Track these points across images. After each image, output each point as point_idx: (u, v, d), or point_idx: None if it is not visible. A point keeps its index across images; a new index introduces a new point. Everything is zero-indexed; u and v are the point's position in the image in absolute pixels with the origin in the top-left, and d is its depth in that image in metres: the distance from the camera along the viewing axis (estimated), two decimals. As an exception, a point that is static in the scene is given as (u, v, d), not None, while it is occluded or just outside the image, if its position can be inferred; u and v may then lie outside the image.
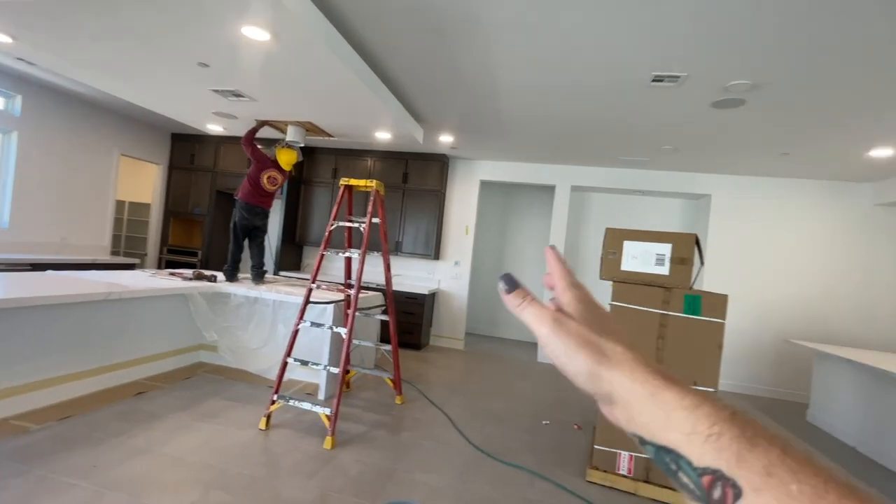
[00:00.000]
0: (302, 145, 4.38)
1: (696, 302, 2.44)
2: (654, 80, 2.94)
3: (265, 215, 4.08)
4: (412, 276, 6.12)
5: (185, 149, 6.26)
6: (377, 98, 3.38)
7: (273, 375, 3.56)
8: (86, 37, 2.83)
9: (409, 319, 5.53)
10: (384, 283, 3.61)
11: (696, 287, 4.06)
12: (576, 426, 3.54)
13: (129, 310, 3.35)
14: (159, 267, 6.24)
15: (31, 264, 4.29)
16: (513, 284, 0.37)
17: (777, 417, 4.42)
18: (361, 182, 3.24)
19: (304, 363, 2.99)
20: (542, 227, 6.93)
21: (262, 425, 2.87)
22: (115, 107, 5.26)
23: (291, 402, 2.88)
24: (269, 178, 4.04)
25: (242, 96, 3.69)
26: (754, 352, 5.24)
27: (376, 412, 3.39)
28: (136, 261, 5.54)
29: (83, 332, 3.03)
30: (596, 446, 2.62)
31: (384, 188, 3.59)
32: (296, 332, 2.98)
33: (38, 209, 4.79)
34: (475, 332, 7.15)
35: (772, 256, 5.21)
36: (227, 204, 6.34)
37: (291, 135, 4.32)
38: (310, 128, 4.40)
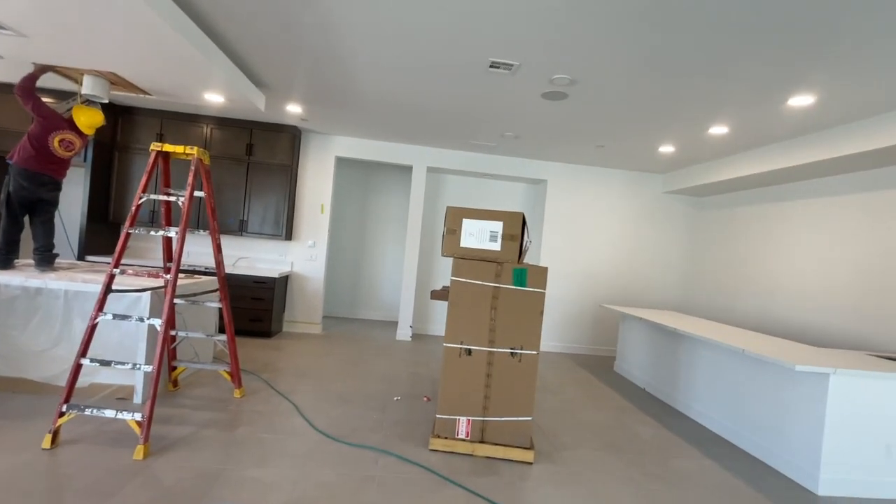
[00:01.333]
0: (105, 101, 3.59)
1: (522, 274, 2.68)
2: (491, 66, 3.09)
3: (56, 186, 3.26)
4: (261, 258, 5.62)
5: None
6: (200, 53, 2.92)
7: (63, 379, 2.92)
8: None
9: (257, 306, 5.07)
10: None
11: (529, 262, 4.48)
12: (425, 398, 3.67)
13: None
14: None
15: None
16: None
17: (591, 369, 5.24)
18: (179, 149, 2.79)
19: (107, 363, 2.50)
20: (403, 205, 6.96)
21: (46, 444, 2.33)
22: None
23: (88, 412, 2.39)
24: (61, 141, 3.23)
25: (5, 28, 2.84)
26: (578, 317, 6.10)
27: (209, 410, 3.04)
28: None
29: None
30: (438, 415, 2.74)
31: (208, 156, 3.16)
32: (92, 328, 2.46)
33: None
34: (334, 314, 6.94)
35: (593, 235, 6.08)
36: None
37: (89, 87, 3.49)
38: (115, 80, 3.61)
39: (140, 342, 3.00)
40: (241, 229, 5.27)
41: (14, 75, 3.95)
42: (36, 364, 2.93)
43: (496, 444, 2.72)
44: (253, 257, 5.60)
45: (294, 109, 4.64)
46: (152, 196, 2.72)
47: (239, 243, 5.57)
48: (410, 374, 4.33)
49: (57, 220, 3.37)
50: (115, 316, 2.52)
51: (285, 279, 5.55)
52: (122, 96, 4.54)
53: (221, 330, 4.57)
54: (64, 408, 2.37)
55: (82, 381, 2.92)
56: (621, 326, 5.28)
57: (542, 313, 2.69)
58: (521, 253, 2.76)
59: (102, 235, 5.09)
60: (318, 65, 3.38)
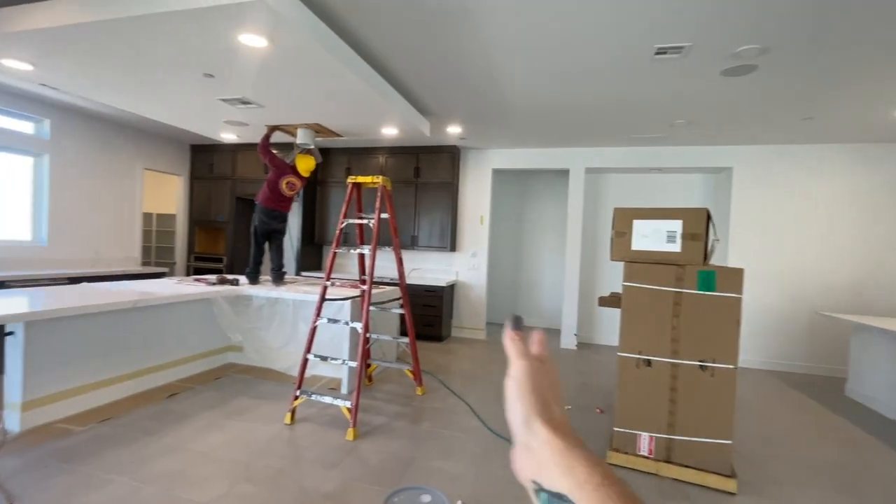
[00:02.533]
0: (312, 147, 4.45)
1: (710, 278, 2.38)
2: (657, 54, 2.85)
3: (283, 219, 4.19)
4: (430, 269, 6.17)
5: (204, 159, 6.46)
6: (379, 95, 3.41)
7: (297, 373, 3.68)
8: (99, 62, 2.97)
9: (429, 312, 5.58)
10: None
11: (716, 263, 3.92)
12: (598, 410, 3.52)
13: (159, 316, 3.51)
14: (188, 274, 6.49)
15: (69, 278, 4.55)
16: (517, 324, 0.46)
17: (811, 391, 4.27)
18: (368, 179, 3.28)
19: (324, 359, 3.07)
20: (559, 211, 6.84)
21: (288, 420, 2.97)
22: (136, 123, 5.48)
23: (314, 397, 2.97)
24: (287, 183, 4.14)
25: (250, 103, 3.78)
26: (786, 326, 5.05)
27: (397, 404, 3.46)
28: (166, 269, 5.78)
29: (117, 339, 3.20)
30: (616, 428, 2.60)
31: (391, 183, 3.63)
32: (314, 330, 3.06)
33: (72, 226, 5.05)
34: (496, 321, 7.16)
35: (800, 227, 5.00)
36: (247, 209, 6.53)
37: (301, 137, 4.40)
38: (318, 129, 4.47)
39: (344, 342, 3.60)
40: (412, 244, 5.88)
41: (253, 136, 5.19)
42: (277, 357, 3.78)
43: (686, 467, 2.44)
44: (423, 268, 6.18)
45: (454, 130, 5.01)
46: (350, 220, 3.25)
47: (411, 256, 6.22)
48: (580, 385, 4.20)
49: (286, 245, 4.29)
50: (329, 320, 3.09)
51: (452, 287, 5.97)
52: (322, 141, 5.56)
53: (402, 333, 5.16)
54: (297, 393, 2.99)
55: (307, 372, 3.64)
56: (854, 340, 4.19)
57: (738, 322, 2.34)
58: (706, 254, 2.45)
59: (311, 254, 6.27)
60: (476, 85, 3.60)
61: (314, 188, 6.23)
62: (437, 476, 2.42)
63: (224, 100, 3.73)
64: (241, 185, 6.27)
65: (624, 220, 2.62)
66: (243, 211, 6.45)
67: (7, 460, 2.34)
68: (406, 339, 3.68)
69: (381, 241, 5.94)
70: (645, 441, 2.52)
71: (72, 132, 5.02)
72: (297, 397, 2.98)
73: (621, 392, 2.60)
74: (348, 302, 3.52)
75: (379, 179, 3.24)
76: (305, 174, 4.20)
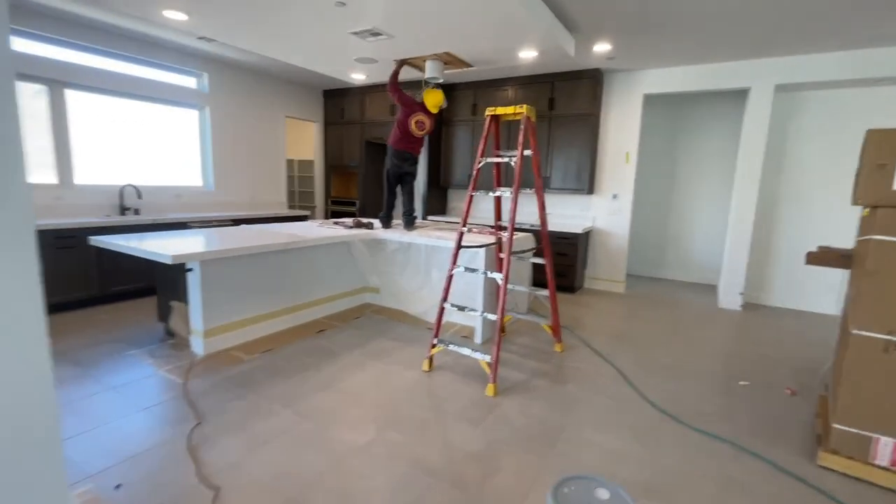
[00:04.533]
0: (441, 81, 4.12)
1: None
2: None
3: (414, 161, 4.02)
4: (563, 213, 5.63)
5: (335, 104, 6.60)
6: (523, 7, 2.88)
7: (430, 318, 3.63)
8: (241, 3, 2.94)
9: (561, 261, 5.14)
10: (537, 223, 3.27)
11: None
12: (788, 391, 2.85)
13: (307, 257, 3.69)
14: (326, 217, 6.93)
15: (232, 220, 5.08)
16: None
17: None
18: (510, 110, 2.86)
19: (461, 308, 2.91)
20: (724, 145, 5.62)
21: (426, 367, 2.92)
22: (277, 72, 5.72)
23: (451, 347, 2.85)
24: (417, 122, 3.94)
25: (380, 34, 3.54)
26: None
27: (535, 359, 3.21)
28: (308, 213, 6.20)
29: (274, 277, 3.44)
30: (837, 425, 2.00)
31: (535, 113, 3.14)
32: (450, 278, 2.89)
33: (232, 173, 5.60)
34: (638, 273, 6.41)
35: None
36: (376, 154, 6.61)
37: (430, 71, 4.09)
38: (448, 59, 4.09)
39: (477, 291, 3.41)
40: (544, 185, 5.37)
41: (382, 75, 5.03)
42: (411, 301, 3.77)
43: (952, 491, 1.77)
44: (555, 213, 5.67)
45: (601, 48, 4.22)
46: (489, 159, 2.91)
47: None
48: (757, 355, 3.48)
49: (415, 189, 4.15)
50: (465, 268, 2.88)
51: (587, 234, 5.40)
52: (448, 73, 5.19)
53: (535, 284, 4.85)
54: (435, 341, 2.90)
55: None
56: None
57: None
58: None
59: (436, 198, 6.16)
60: (646, -19, 2.83)
61: (438, 128, 5.99)
62: (595, 453, 2.13)
63: (355, 33, 3.54)
64: (370, 128, 6.29)
65: (884, 147, 1.83)
66: (373, 155, 6.54)
67: (195, 382, 2.65)
68: (544, 292, 3.35)
69: (505, 182, 5.53)
70: (887, 448, 1.88)
71: (225, 84, 5.41)
72: (434, 345, 2.89)
73: (851, 379, 1.95)
74: (482, 249, 3.28)
75: (522, 109, 2.80)
76: (434, 109, 3.92)
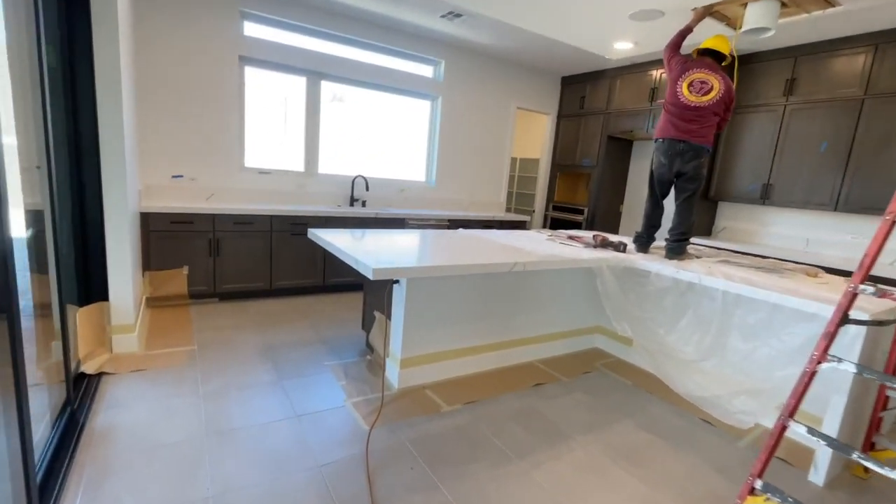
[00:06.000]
0: (771, 32, 2.63)
1: None
2: None
3: (695, 154, 2.66)
4: (951, 258, 3.30)
5: (575, 91, 5.56)
6: None
7: (714, 409, 2.24)
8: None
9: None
10: None
11: None
12: None
13: (528, 280, 2.79)
14: (544, 225, 6.00)
15: (448, 220, 4.61)
16: None
17: None
18: None
19: (815, 434, 1.50)
20: None
21: (724, 516, 1.63)
22: (513, 56, 5.03)
23: (787, 502, 1.48)
24: (690, 84, 2.63)
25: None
26: None
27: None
28: (527, 217, 5.37)
29: (486, 301, 2.64)
30: None
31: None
32: (811, 377, 1.51)
33: (454, 169, 5.18)
34: None
35: None
36: (619, 152, 5.33)
37: (754, 18, 2.64)
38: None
39: (838, 395, 1.88)
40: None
41: (654, 45, 3.76)
42: (681, 374, 2.44)
43: None
44: (931, 255, 3.38)
45: None
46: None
47: (904, 231, 3.50)
48: None
49: (694, 200, 2.77)
50: (857, 367, 1.45)
51: None
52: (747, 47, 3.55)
53: None
54: (757, 484, 1.57)
55: (734, 414, 2.16)
56: None
57: None
58: None
59: (700, 213, 4.50)
60: None
61: (720, 118, 4.31)
62: None
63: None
64: (617, 120, 5.04)
65: None
66: (615, 154, 5.28)
67: (380, 434, 2.01)
68: None
69: None
70: None
71: (460, 73, 4.98)
72: (752, 491, 1.57)
73: None
74: (863, 329, 1.74)
75: None
76: (721, 47, 2.55)
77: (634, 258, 2.67)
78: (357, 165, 4.65)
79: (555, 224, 5.82)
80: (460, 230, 3.27)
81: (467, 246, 2.56)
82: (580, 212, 5.47)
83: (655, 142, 2.83)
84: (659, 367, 2.47)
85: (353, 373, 2.57)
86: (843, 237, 3.78)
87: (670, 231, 2.79)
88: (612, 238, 2.99)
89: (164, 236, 3.28)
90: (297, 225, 3.79)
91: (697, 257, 2.85)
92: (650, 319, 2.62)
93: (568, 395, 2.53)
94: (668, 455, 2.04)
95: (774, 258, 3.40)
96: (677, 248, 2.75)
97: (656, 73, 4.61)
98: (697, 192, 2.73)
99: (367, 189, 4.46)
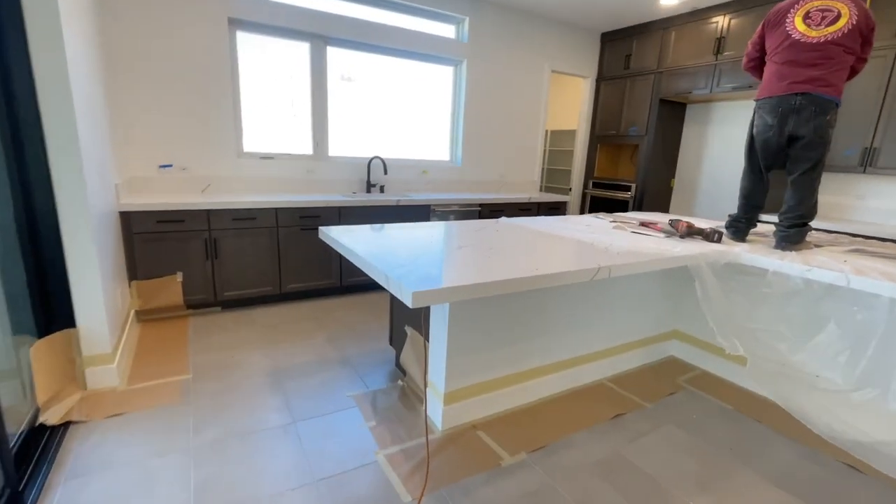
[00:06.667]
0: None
1: None
2: None
3: (819, 109, 1.99)
4: None
5: (619, 50, 4.82)
6: None
7: (876, 460, 1.65)
8: None
9: None
10: None
11: None
12: None
13: (590, 283, 2.21)
14: (583, 205, 5.35)
15: (479, 204, 4.01)
16: None
17: None
18: None
19: None
20: None
21: None
22: (548, 11, 4.31)
23: None
24: (808, 14, 1.99)
25: None
26: None
27: None
28: (566, 198, 4.72)
29: (542, 312, 2.07)
30: None
31: None
32: None
33: (482, 146, 4.55)
34: None
35: None
36: (673, 118, 4.62)
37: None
38: None
39: None
40: None
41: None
42: (815, 405, 1.84)
43: None
44: None
45: None
46: None
47: None
48: None
49: (817, 173, 2.12)
50: None
51: None
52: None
53: None
54: None
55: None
56: None
57: None
58: None
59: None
60: None
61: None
62: None
63: None
64: (671, 80, 4.31)
65: None
66: (668, 121, 4.58)
67: (427, 501, 1.49)
68: None
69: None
70: None
71: (486, 32, 4.29)
72: None
73: None
74: None
75: None
76: None
77: (738, 251, 2.05)
78: (373, 146, 4.06)
79: (596, 204, 5.17)
80: (503, 219, 2.68)
81: (520, 241, 1.97)
82: (626, 188, 4.81)
83: (757, 102, 2.19)
84: (785, 397, 1.88)
85: (384, 407, 2.05)
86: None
87: (783, 214, 2.16)
88: (702, 226, 2.36)
89: (150, 239, 2.77)
90: (307, 218, 3.24)
91: (817, 246, 2.22)
92: (765, 331, 2.01)
93: (657, 430, 1.97)
94: (822, 529, 1.47)
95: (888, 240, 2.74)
96: (794, 236, 2.12)
97: (723, 20, 3.86)
98: (822, 162, 2.09)
99: (386, 172, 3.88)
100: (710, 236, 2.25)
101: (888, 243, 2.39)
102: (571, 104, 5.78)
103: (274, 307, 3.23)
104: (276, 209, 3.11)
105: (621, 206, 4.84)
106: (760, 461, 1.79)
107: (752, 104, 2.26)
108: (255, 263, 3.11)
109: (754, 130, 2.21)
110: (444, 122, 4.44)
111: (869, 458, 1.63)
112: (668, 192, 4.94)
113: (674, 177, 4.92)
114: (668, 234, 2.35)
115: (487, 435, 1.88)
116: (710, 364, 2.52)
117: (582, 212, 5.38)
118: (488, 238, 2.05)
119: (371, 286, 3.69)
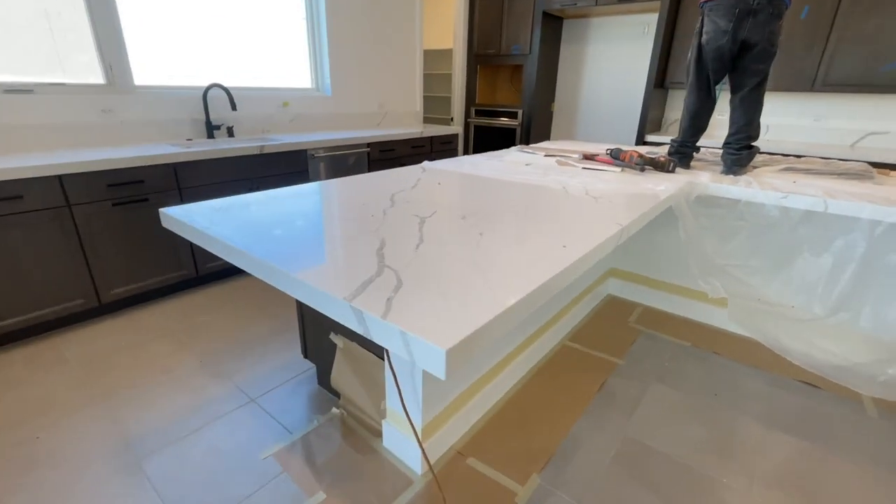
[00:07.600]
0: None
1: None
2: None
3: (774, 12, 1.78)
4: (914, 133, 3.21)
5: (493, -48, 4.21)
6: None
7: (855, 381, 1.68)
8: None
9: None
10: None
11: None
12: None
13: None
14: (467, 136, 4.91)
15: (367, 143, 3.24)
16: None
17: None
18: None
19: None
20: None
21: None
22: None
23: None
24: None
25: None
26: None
27: None
28: (457, 130, 4.17)
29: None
30: None
31: None
32: None
33: (352, 74, 3.64)
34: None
35: None
36: (556, 35, 4.32)
37: None
38: None
39: None
40: (906, 82, 2.93)
41: None
42: (791, 336, 1.80)
43: None
44: None
45: None
46: None
47: None
48: None
49: (764, 87, 1.98)
50: None
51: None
52: None
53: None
54: None
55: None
56: None
57: None
58: None
59: (654, 107, 3.87)
60: None
61: (683, -18, 3.51)
62: None
63: None
64: (554, -11, 3.93)
65: None
66: (552, 38, 4.26)
67: None
68: None
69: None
70: None
71: None
72: None
73: None
74: None
75: None
76: None
77: (705, 182, 1.84)
78: (209, 72, 2.86)
79: (481, 135, 4.77)
80: (426, 163, 2.06)
81: (489, 200, 1.43)
82: (512, 115, 4.49)
83: (703, 6, 1.92)
84: (763, 332, 1.81)
85: (326, 459, 1.42)
86: (805, 121, 3.50)
87: (733, 135, 2.00)
88: (658, 156, 2.10)
89: None
90: (122, 185, 2.12)
91: (755, 167, 2.15)
92: (737, 266, 1.89)
93: (645, 393, 1.77)
94: (829, 464, 1.43)
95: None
96: (745, 159, 1.98)
97: (607, -80, 3.52)
98: (767, 76, 1.93)
99: (234, 108, 2.79)
100: (665, 166, 2.01)
101: (804, 159, 2.47)
102: (444, 18, 5.08)
103: (93, 328, 2.14)
104: (59, 177, 1.93)
105: (509, 136, 4.54)
106: (746, 402, 1.71)
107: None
108: (42, 269, 1.95)
109: (703, 38, 1.94)
110: (302, 39, 3.37)
111: (846, 379, 1.65)
112: (549, 116, 4.79)
113: (553, 100, 4.76)
114: (623, 168, 2.04)
115: (481, 462, 1.42)
116: (646, 298, 2.44)
117: (467, 146, 4.95)
118: (439, 198, 1.44)
119: (238, 269, 2.75)
